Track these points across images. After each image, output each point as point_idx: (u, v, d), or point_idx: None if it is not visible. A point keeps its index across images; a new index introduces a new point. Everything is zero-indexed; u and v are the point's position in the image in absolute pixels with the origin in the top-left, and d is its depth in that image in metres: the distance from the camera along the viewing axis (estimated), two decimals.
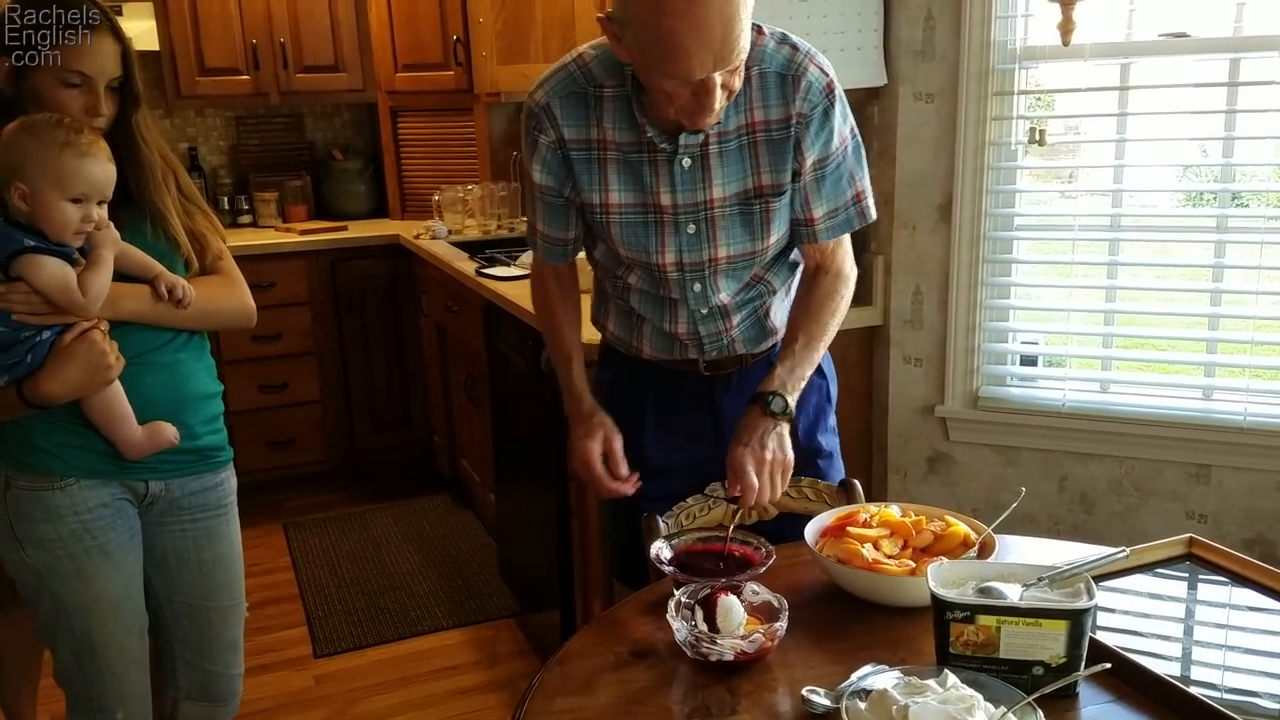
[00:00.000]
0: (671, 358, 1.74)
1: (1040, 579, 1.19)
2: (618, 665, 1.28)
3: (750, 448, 1.52)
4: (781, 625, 1.25)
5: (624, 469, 1.65)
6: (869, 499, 1.63)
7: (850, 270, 1.68)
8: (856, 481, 1.68)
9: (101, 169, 1.59)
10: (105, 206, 1.62)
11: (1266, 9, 2.36)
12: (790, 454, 1.55)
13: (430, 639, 3.16)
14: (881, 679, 1.10)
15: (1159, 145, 2.73)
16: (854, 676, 1.14)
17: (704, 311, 1.66)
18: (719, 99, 1.40)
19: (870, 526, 1.44)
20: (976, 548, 1.38)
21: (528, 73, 3.73)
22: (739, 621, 1.26)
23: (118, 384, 1.68)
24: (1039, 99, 2.73)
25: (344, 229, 4.33)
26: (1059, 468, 2.75)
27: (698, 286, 1.63)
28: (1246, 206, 2.66)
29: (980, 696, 1.04)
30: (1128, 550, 1.35)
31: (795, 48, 1.53)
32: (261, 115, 4.56)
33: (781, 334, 1.73)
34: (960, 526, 1.43)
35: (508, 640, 3.16)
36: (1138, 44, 2.52)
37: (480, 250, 3.63)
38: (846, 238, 1.66)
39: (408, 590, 3.47)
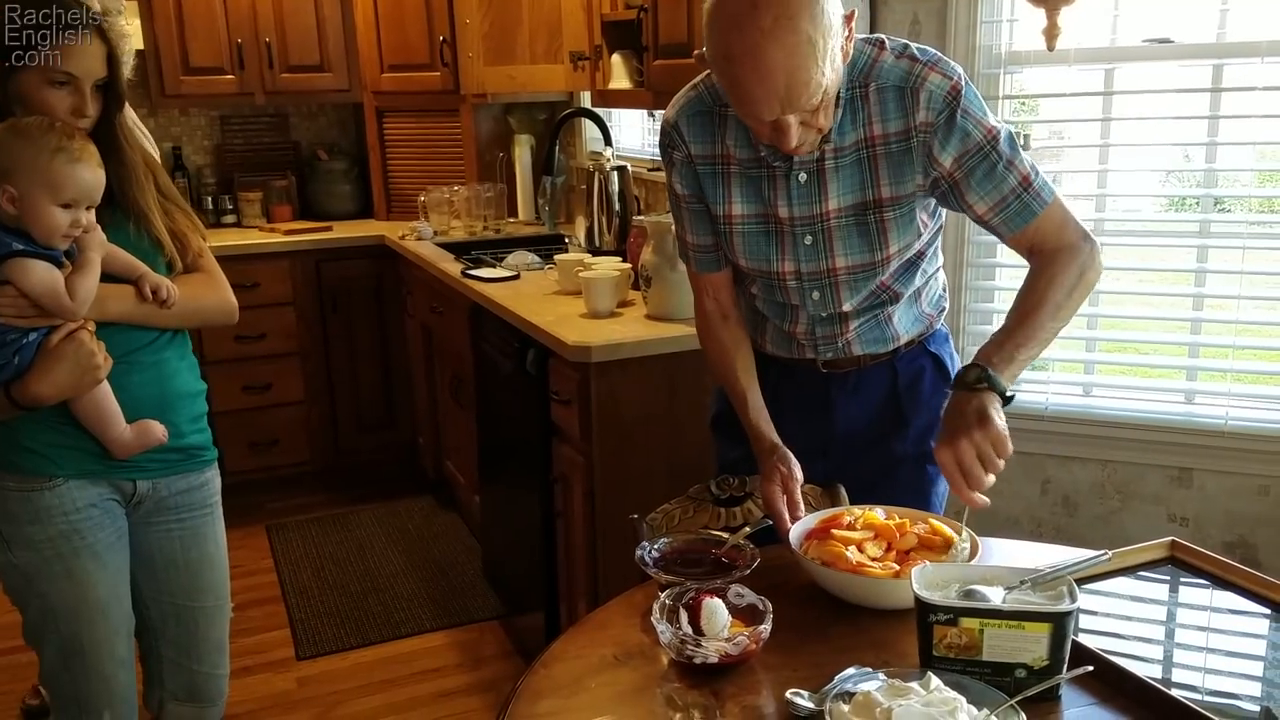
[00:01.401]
0: (790, 355, 1.76)
1: (1023, 582, 1.19)
2: (602, 667, 1.28)
3: (945, 443, 1.42)
4: (766, 628, 1.25)
5: (798, 500, 1.58)
6: (853, 502, 1.63)
7: (1077, 240, 1.57)
8: (841, 485, 1.68)
9: (92, 175, 1.59)
10: (93, 211, 1.62)
11: (1249, 15, 2.37)
12: (999, 424, 1.42)
13: (414, 641, 3.16)
14: (865, 681, 1.10)
15: (1142, 150, 2.74)
16: (837, 679, 1.14)
17: (824, 315, 1.68)
18: (795, 136, 1.43)
19: (854, 529, 1.45)
20: (967, 549, 1.39)
21: (514, 74, 3.73)
22: (724, 624, 1.26)
23: (106, 384, 1.68)
24: (1023, 104, 2.74)
25: (329, 229, 4.31)
26: (1041, 471, 2.76)
27: (816, 295, 1.66)
28: (1229, 211, 2.68)
29: (963, 699, 1.05)
30: (1110, 553, 1.35)
31: (914, 59, 1.53)
32: (246, 115, 4.55)
33: (904, 339, 1.74)
34: (945, 530, 1.43)
35: (492, 642, 3.15)
36: (1122, 49, 2.54)
37: (466, 251, 3.63)
38: (1057, 213, 1.57)
39: (391, 592, 3.46)
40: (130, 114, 1.79)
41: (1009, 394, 1.46)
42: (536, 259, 3.35)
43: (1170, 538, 1.47)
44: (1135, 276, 3.03)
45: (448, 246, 3.79)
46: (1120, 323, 2.93)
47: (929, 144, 1.53)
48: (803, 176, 1.58)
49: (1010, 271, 2.78)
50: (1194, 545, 1.45)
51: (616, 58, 3.06)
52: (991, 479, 1.40)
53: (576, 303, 2.73)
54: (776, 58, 1.34)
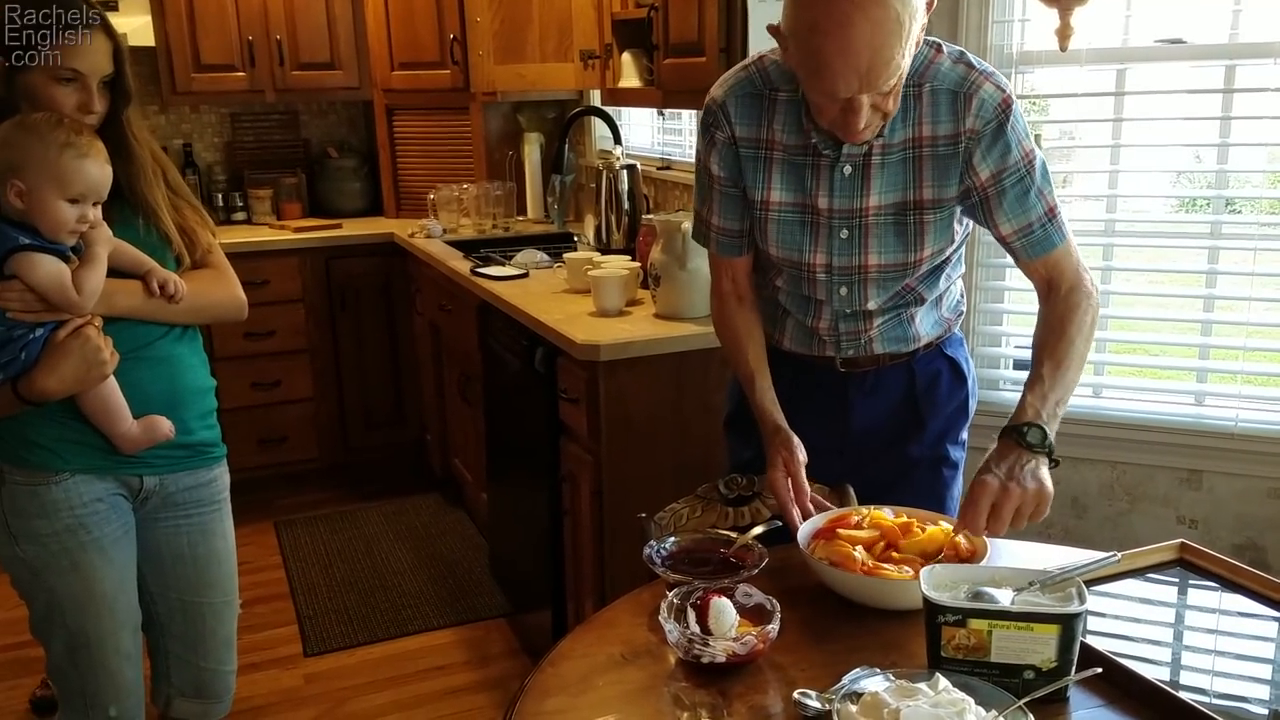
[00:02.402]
0: (809, 353, 1.75)
1: (1032, 583, 1.19)
2: (610, 666, 1.28)
3: (996, 476, 1.41)
4: (773, 627, 1.25)
5: (803, 483, 1.58)
6: (867, 503, 1.63)
7: (1088, 283, 1.60)
8: (849, 485, 1.68)
9: (100, 170, 1.60)
10: (100, 206, 1.62)
11: (1263, 16, 2.36)
12: (1049, 486, 1.42)
13: (421, 638, 3.16)
14: (873, 682, 1.10)
15: (1154, 151, 2.73)
16: (845, 679, 1.14)
17: (847, 311, 1.68)
18: (865, 117, 1.42)
19: (862, 528, 1.45)
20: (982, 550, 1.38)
21: (524, 72, 3.73)
22: (731, 623, 1.26)
23: (113, 379, 1.69)
24: (1034, 103, 2.74)
25: (338, 227, 4.32)
26: (1050, 472, 2.75)
27: (844, 290, 1.65)
28: (1240, 212, 2.67)
29: (971, 700, 1.05)
30: (1119, 555, 1.35)
31: (971, 66, 1.53)
32: (257, 112, 4.56)
33: (923, 341, 1.73)
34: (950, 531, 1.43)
35: (499, 640, 3.15)
36: (1134, 50, 2.53)
37: (475, 249, 3.63)
38: (1074, 253, 1.61)
39: (398, 589, 3.46)
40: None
41: (1057, 460, 1.48)
42: (545, 257, 3.35)
43: (1179, 540, 1.47)
44: (1145, 278, 3.02)
45: (457, 244, 3.80)
46: (1130, 324, 2.92)
47: (971, 151, 1.53)
48: (848, 169, 1.57)
49: (1020, 273, 2.77)
50: (1203, 547, 1.45)
51: (627, 56, 3.05)
52: (1003, 531, 1.42)
53: (585, 301, 2.73)
54: (864, 32, 1.33)
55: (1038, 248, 1.59)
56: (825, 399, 1.76)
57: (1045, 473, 1.44)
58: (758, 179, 1.64)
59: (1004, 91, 1.53)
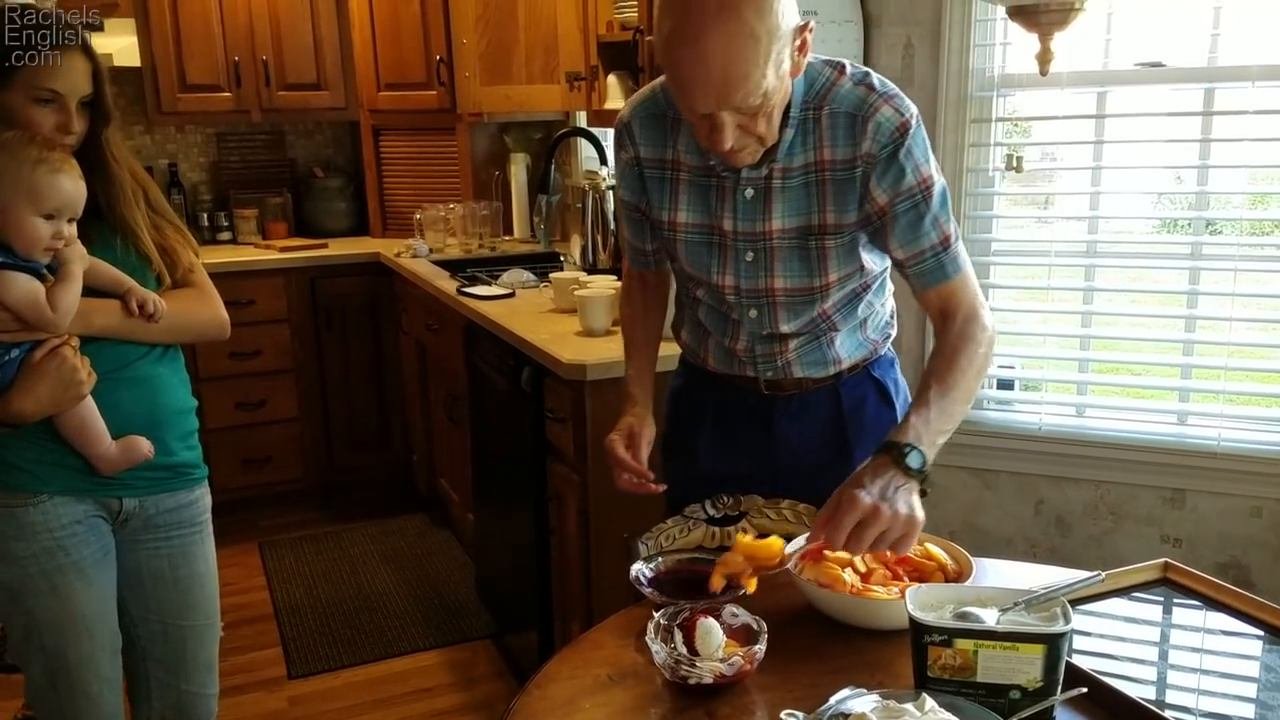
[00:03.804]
0: (731, 372, 1.75)
1: (1017, 603, 1.19)
2: (596, 688, 1.28)
3: (869, 494, 1.34)
4: (760, 648, 1.25)
5: (643, 455, 1.63)
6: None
7: (985, 318, 1.55)
8: None
9: (73, 185, 1.60)
10: (75, 224, 1.62)
11: (1241, 40, 2.40)
12: (920, 517, 1.36)
13: (406, 660, 3.14)
14: (859, 702, 1.10)
15: (1134, 173, 2.76)
16: (832, 700, 1.14)
17: (763, 333, 1.67)
18: (730, 137, 1.40)
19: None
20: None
21: (510, 94, 3.75)
22: (718, 644, 1.26)
23: (90, 400, 1.67)
24: (1016, 126, 2.77)
25: (324, 246, 4.32)
26: (1035, 491, 2.77)
27: (754, 313, 1.64)
28: (1220, 233, 2.70)
29: None
30: (1103, 574, 1.35)
31: (871, 88, 1.50)
32: (243, 132, 4.56)
33: (846, 364, 1.71)
34: (940, 555, 1.44)
35: (485, 661, 3.14)
36: (1114, 73, 2.56)
37: (461, 269, 3.63)
38: (971, 283, 1.57)
39: (384, 610, 3.44)
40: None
41: (926, 489, 1.41)
42: (532, 277, 3.35)
43: (1163, 559, 1.48)
44: (1128, 298, 3.04)
45: (443, 264, 3.80)
46: (1113, 344, 2.94)
47: (868, 176, 1.50)
48: (749, 192, 1.56)
49: (1005, 270, 2.80)
50: (1187, 566, 1.45)
51: (612, 78, 3.07)
52: (861, 554, 1.37)
53: (571, 321, 2.73)
54: (716, 45, 1.31)
55: (929, 277, 1.54)
56: (751, 423, 1.75)
57: (917, 500, 1.37)
58: (664, 200, 1.64)
59: (903, 115, 1.49)
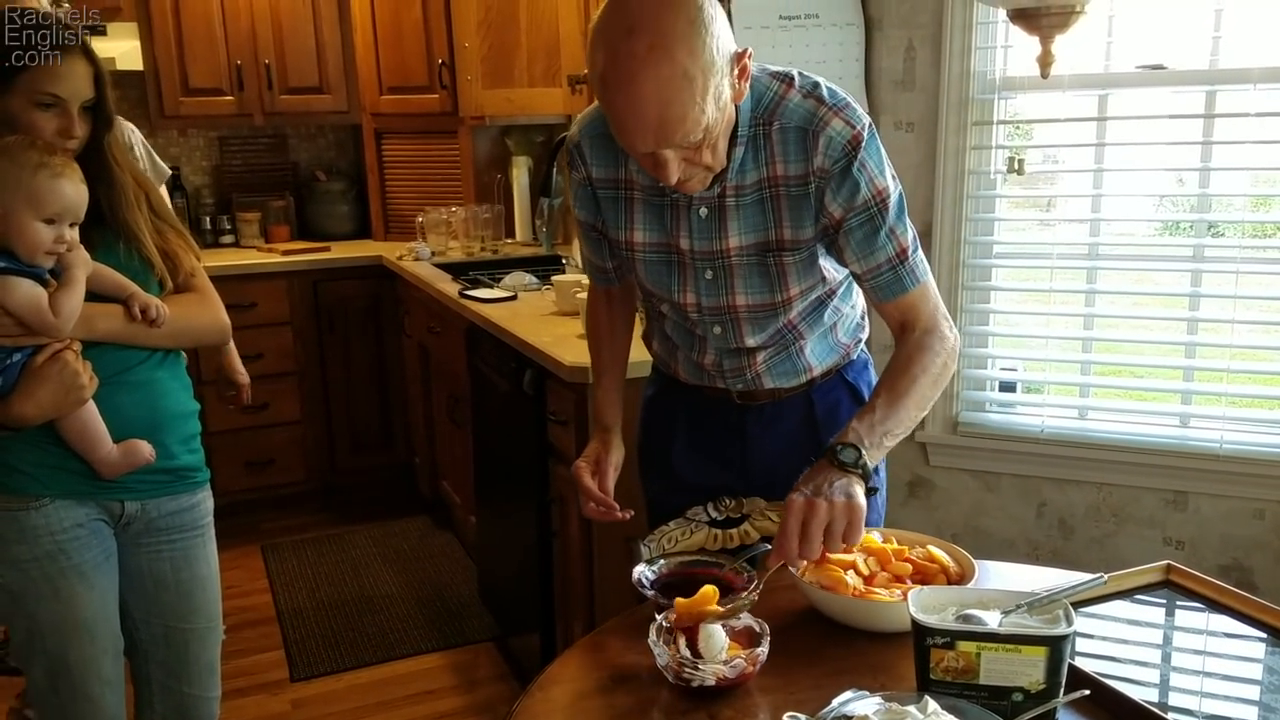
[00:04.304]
0: (703, 384, 1.73)
1: (1019, 605, 1.19)
2: (599, 690, 1.28)
3: (802, 493, 1.36)
4: (763, 650, 1.25)
5: (609, 484, 1.64)
6: None
7: (945, 329, 1.55)
8: None
9: (75, 189, 1.60)
10: (77, 228, 1.62)
11: (1242, 43, 2.40)
12: (861, 502, 1.36)
13: (409, 662, 3.14)
14: (862, 705, 1.10)
15: (1136, 175, 2.76)
16: (835, 702, 1.14)
17: (730, 348, 1.65)
18: (675, 171, 1.37)
19: (850, 552, 1.45)
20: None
21: (512, 97, 3.75)
22: (721, 646, 1.26)
23: (92, 404, 1.67)
24: (1018, 129, 2.77)
25: (327, 250, 4.32)
26: (1037, 493, 2.77)
27: (718, 329, 1.62)
28: (1222, 236, 2.70)
29: None
30: (1105, 577, 1.35)
31: (821, 100, 1.46)
32: (245, 136, 4.56)
33: (818, 371, 1.70)
34: (942, 558, 1.44)
35: (487, 664, 3.14)
36: (1115, 75, 2.56)
37: (463, 272, 3.64)
38: (931, 295, 1.55)
39: (386, 613, 3.44)
40: (138, 135, 1.78)
41: (874, 486, 1.42)
42: (534, 280, 3.36)
43: (1166, 561, 1.48)
44: (1130, 300, 3.04)
45: (445, 267, 3.80)
46: (1115, 346, 2.94)
47: (822, 190, 1.47)
48: (704, 211, 1.52)
49: (1007, 272, 2.80)
50: (1189, 569, 1.45)
51: None
52: (817, 555, 1.36)
53: (574, 323, 2.74)
54: (649, 88, 1.28)
55: (888, 290, 1.52)
56: (724, 432, 1.74)
57: (857, 490, 1.37)
58: (619, 219, 1.60)
59: (854, 128, 1.45)
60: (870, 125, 1.48)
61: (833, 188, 1.46)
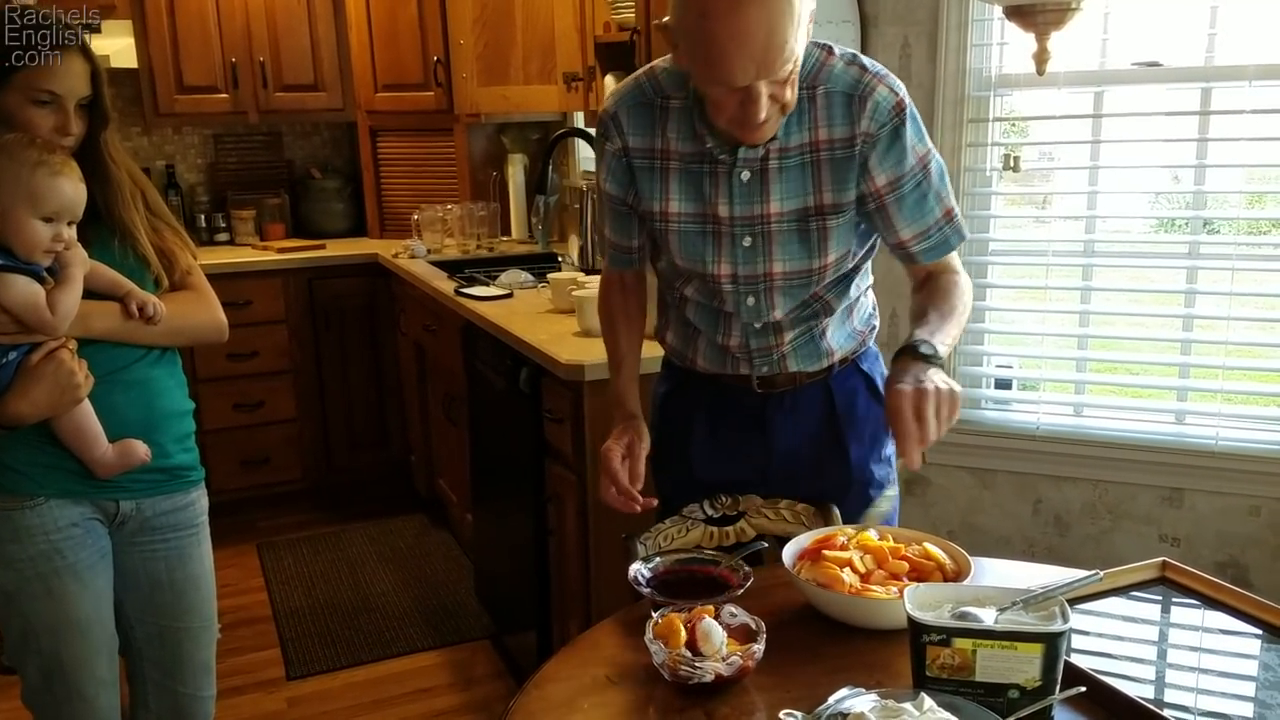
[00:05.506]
0: (724, 371, 1.73)
1: (1015, 602, 1.19)
2: (595, 688, 1.27)
3: (906, 384, 1.38)
4: (759, 647, 1.25)
5: (640, 471, 1.63)
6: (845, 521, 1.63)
7: (964, 275, 1.64)
8: (834, 505, 1.68)
9: (74, 188, 1.59)
10: (74, 227, 1.62)
11: (1237, 40, 2.40)
12: (957, 387, 1.39)
13: (405, 661, 3.14)
14: (858, 702, 1.10)
15: (1132, 172, 2.76)
16: (831, 699, 1.14)
17: (757, 325, 1.66)
18: (764, 108, 1.40)
19: (847, 549, 1.45)
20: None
21: (508, 94, 3.75)
22: (718, 644, 1.26)
23: (87, 403, 1.67)
24: (1013, 126, 2.77)
25: (322, 247, 4.31)
26: (1033, 490, 2.77)
27: (751, 300, 1.63)
28: (1218, 233, 2.70)
29: None
30: (1101, 573, 1.35)
31: (864, 68, 1.52)
32: (240, 133, 4.55)
33: (837, 356, 1.72)
34: (939, 555, 1.44)
35: (484, 662, 3.14)
36: (1111, 73, 2.56)
37: (459, 270, 3.63)
38: (957, 251, 1.64)
39: (383, 611, 3.44)
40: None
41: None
42: (530, 277, 3.36)
43: (1161, 558, 1.48)
44: (1125, 297, 3.05)
45: (441, 265, 3.80)
46: (1111, 343, 2.94)
47: (867, 155, 1.52)
48: (745, 175, 1.55)
49: (1003, 270, 2.80)
50: (1185, 565, 1.45)
51: (609, 79, 3.07)
52: (935, 436, 1.37)
53: (570, 321, 2.73)
54: (757, 15, 1.31)
55: (936, 250, 1.60)
56: (744, 422, 1.74)
57: (947, 376, 1.42)
58: (654, 190, 1.62)
59: (897, 94, 1.51)
60: (907, 94, 1.54)
61: (879, 153, 1.52)
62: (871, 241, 1.67)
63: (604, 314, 1.84)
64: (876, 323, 1.81)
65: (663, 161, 1.60)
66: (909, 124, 1.52)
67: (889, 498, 1.81)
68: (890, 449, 1.78)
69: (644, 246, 1.74)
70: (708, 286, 1.65)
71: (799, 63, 1.41)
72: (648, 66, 1.64)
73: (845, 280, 1.66)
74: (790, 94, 1.43)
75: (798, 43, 1.37)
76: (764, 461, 1.73)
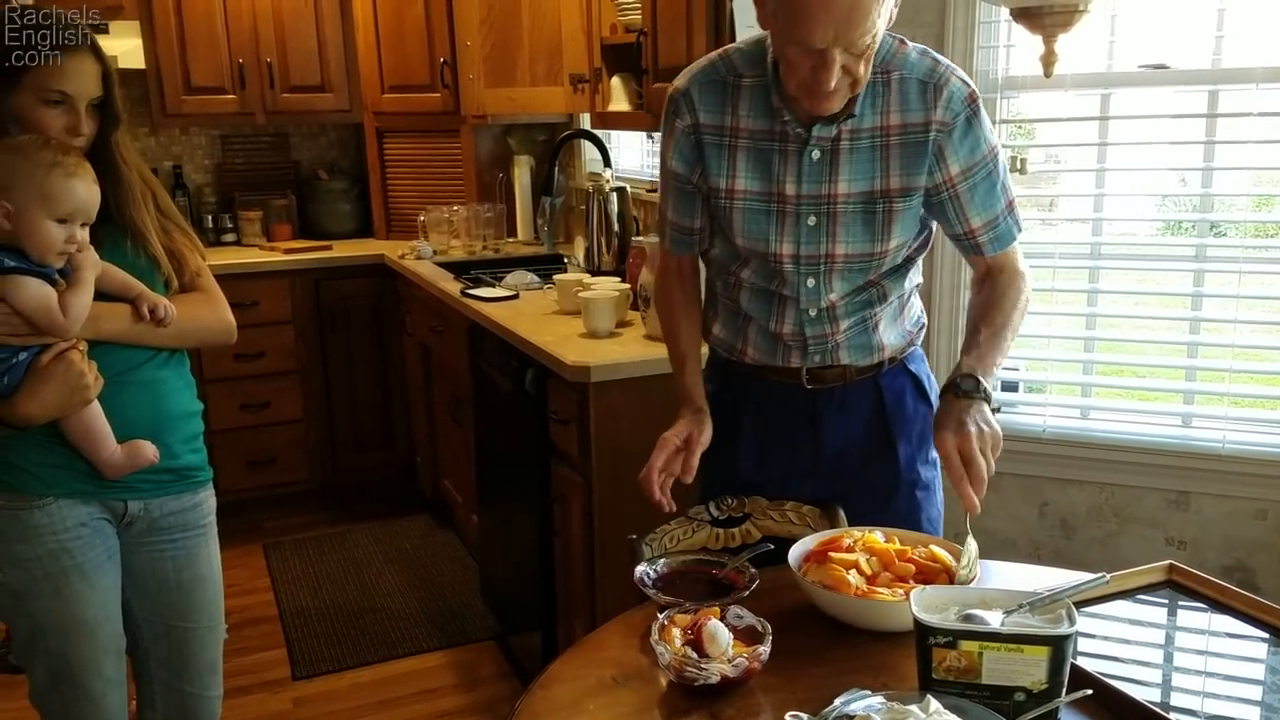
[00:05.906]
0: (774, 362, 1.72)
1: (1022, 605, 1.19)
2: (601, 689, 1.28)
3: (950, 430, 1.45)
4: (765, 649, 1.25)
5: (693, 464, 1.61)
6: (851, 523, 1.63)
7: (1025, 269, 1.68)
8: (839, 507, 1.68)
9: (88, 190, 1.60)
10: (87, 228, 1.62)
11: (1245, 42, 2.39)
12: (997, 427, 1.47)
13: (410, 661, 3.14)
14: (864, 704, 1.10)
15: (1139, 175, 2.76)
16: (837, 701, 1.14)
17: (812, 313, 1.66)
18: (835, 76, 1.41)
19: (853, 551, 1.45)
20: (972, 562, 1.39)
21: (514, 96, 3.75)
22: (725, 645, 1.26)
23: (96, 404, 1.67)
24: (1020, 128, 2.76)
25: (328, 248, 4.32)
26: (1039, 493, 2.76)
27: (811, 282, 1.64)
28: (1225, 236, 2.69)
29: None
30: (1108, 576, 1.35)
31: (937, 59, 1.56)
32: (247, 134, 4.57)
33: (888, 353, 1.73)
34: (945, 557, 1.43)
35: (489, 663, 3.14)
36: (1118, 75, 2.56)
37: (465, 271, 3.64)
38: (1014, 245, 1.67)
39: (388, 612, 3.45)
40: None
41: (996, 406, 1.52)
42: (535, 279, 3.36)
43: (1168, 561, 1.48)
44: (1132, 300, 3.04)
45: (447, 266, 3.80)
46: (1117, 346, 2.94)
47: (941, 144, 1.55)
48: (816, 154, 1.56)
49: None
50: (1192, 569, 1.45)
51: (616, 80, 3.08)
52: (987, 476, 1.44)
53: (575, 323, 2.74)
54: None
55: (1002, 240, 1.64)
56: (794, 418, 1.74)
57: (989, 413, 1.48)
58: (721, 167, 1.63)
59: (969, 86, 1.56)
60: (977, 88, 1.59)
61: (954, 142, 1.55)
62: (926, 235, 1.69)
63: (664, 308, 1.83)
64: (925, 322, 1.82)
65: (732, 138, 1.62)
66: (981, 115, 1.56)
67: (938, 503, 1.84)
68: (935, 452, 1.80)
69: (704, 229, 1.73)
70: (768, 267, 1.65)
71: (877, 40, 1.43)
72: (723, 49, 1.66)
73: (901, 270, 1.69)
74: (864, 70, 1.45)
75: (880, 19, 1.39)
76: (813, 461, 1.73)
